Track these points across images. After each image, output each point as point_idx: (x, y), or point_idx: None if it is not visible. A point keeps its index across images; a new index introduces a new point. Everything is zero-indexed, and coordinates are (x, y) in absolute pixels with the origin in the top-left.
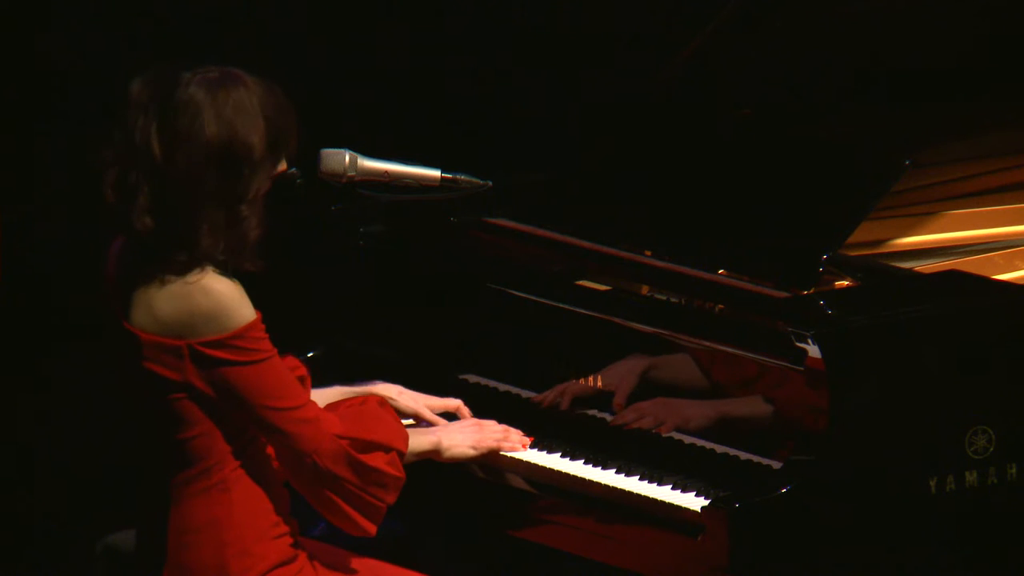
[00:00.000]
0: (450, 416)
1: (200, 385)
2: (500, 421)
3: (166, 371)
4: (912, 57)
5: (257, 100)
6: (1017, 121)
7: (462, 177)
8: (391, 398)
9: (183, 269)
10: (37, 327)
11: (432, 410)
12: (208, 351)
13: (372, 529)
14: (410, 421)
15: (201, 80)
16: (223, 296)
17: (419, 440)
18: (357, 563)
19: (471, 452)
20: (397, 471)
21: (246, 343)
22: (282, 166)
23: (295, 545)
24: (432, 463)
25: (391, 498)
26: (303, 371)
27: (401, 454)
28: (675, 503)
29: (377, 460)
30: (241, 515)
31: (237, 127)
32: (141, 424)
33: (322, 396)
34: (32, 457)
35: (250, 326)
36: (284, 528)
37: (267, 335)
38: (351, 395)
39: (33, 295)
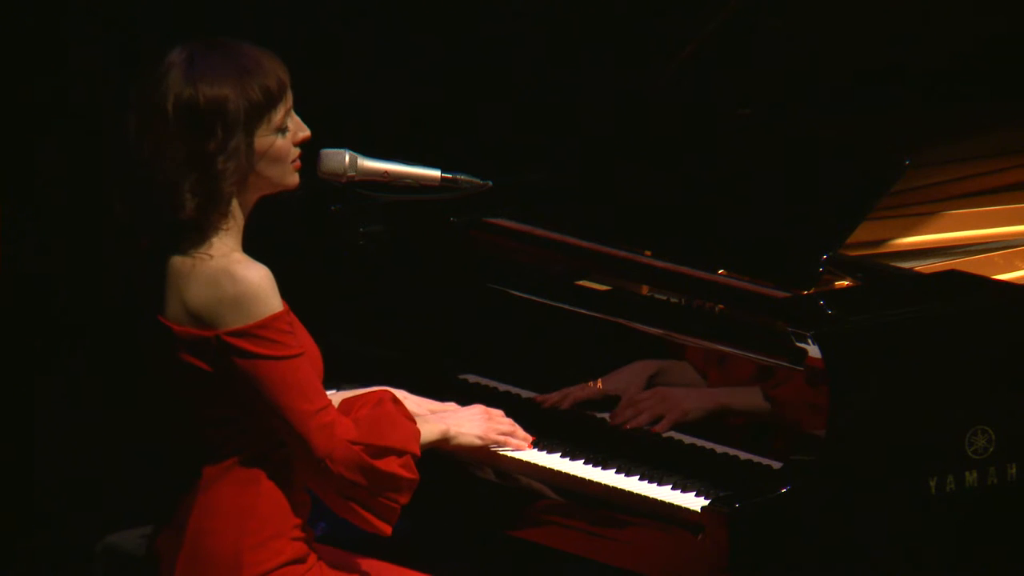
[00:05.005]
0: None
1: (230, 377)
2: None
3: (200, 362)
4: (912, 57)
5: (235, 58)
6: (1017, 121)
7: (462, 177)
8: None
9: (201, 250)
10: (37, 326)
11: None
12: (235, 341)
13: (387, 529)
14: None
15: (181, 48)
16: (250, 283)
17: (427, 429)
18: (359, 563)
19: (477, 441)
20: (411, 473)
21: (271, 334)
22: (280, 121)
23: (310, 548)
24: (432, 464)
25: (405, 499)
26: (319, 364)
27: (415, 456)
28: (675, 503)
29: (391, 464)
30: (266, 509)
31: (205, 82)
32: (177, 416)
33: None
34: (32, 457)
35: (275, 317)
36: (302, 533)
37: (292, 330)
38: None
39: (33, 294)
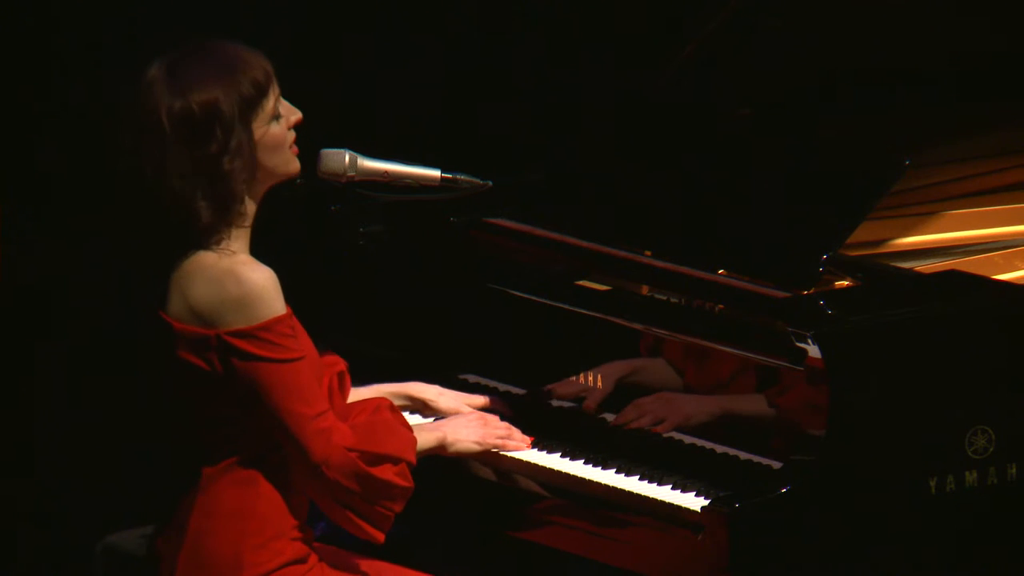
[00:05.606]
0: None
1: (230, 377)
2: (500, 421)
3: (199, 361)
4: (912, 57)
5: (215, 59)
6: (1017, 121)
7: (462, 177)
8: (431, 399)
9: (209, 249)
10: (38, 327)
11: (472, 408)
12: (235, 342)
13: (380, 537)
14: (419, 419)
15: (160, 60)
16: (254, 285)
17: (424, 437)
18: (359, 563)
19: (475, 447)
20: (406, 482)
21: (273, 337)
22: (272, 108)
23: (310, 548)
24: (433, 463)
25: (399, 507)
26: (343, 366)
27: (411, 464)
28: (675, 503)
29: (386, 472)
30: (266, 509)
31: (193, 89)
32: (177, 416)
33: (358, 395)
34: (32, 457)
35: (278, 320)
36: (301, 533)
37: (295, 334)
38: (388, 394)
39: (33, 295)
